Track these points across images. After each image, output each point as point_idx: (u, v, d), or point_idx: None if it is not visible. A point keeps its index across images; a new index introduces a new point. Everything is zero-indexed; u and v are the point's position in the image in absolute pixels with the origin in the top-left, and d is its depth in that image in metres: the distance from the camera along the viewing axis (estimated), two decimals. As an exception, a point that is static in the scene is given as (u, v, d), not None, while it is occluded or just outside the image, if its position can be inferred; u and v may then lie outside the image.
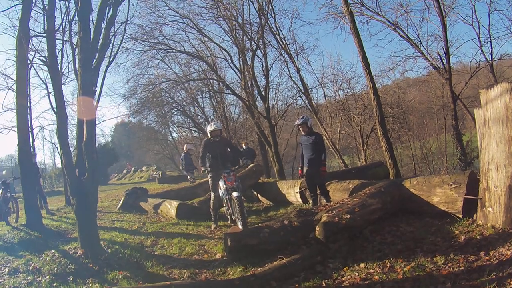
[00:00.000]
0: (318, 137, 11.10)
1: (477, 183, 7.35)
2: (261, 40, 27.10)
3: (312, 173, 10.90)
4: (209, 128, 11.35)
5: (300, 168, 11.55)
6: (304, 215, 8.12)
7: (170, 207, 13.56)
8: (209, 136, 11.24)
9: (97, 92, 8.53)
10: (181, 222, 12.32)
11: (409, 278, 5.54)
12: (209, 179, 11.46)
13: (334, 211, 7.72)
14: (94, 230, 8.35)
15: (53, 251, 8.70)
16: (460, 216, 7.45)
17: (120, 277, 7.14)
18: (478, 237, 6.46)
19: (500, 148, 6.55)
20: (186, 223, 12.11)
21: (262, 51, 27.74)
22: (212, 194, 11.47)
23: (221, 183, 10.96)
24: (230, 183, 10.44)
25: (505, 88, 6.47)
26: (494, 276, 5.05)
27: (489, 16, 21.74)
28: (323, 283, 5.99)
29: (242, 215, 9.88)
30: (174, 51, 28.06)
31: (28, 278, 7.30)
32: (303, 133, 11.20)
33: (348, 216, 7.43)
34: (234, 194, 10.11)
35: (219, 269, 7.37)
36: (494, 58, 22.29)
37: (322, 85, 30.31)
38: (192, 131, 46.28)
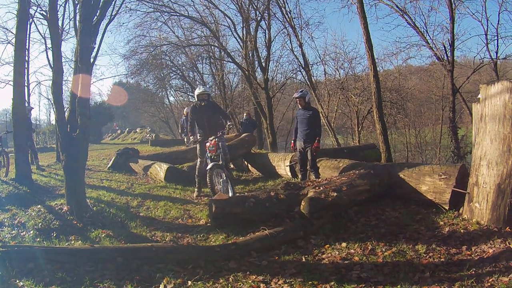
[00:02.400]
0: (315, 112, 11.05)
1: (467, 177, 7.36)
2: (266, 11, 26.86)
3: (304, 148, 10.89)
4: (196, 91, 11.10)
5: (292, 142, 11.51)
6: (291, 189, 8.12)
7: (160, 170, 13.64)
8: (196, 100, 10.94)
9: (95, 50, 8.51)
10: (169, 186, 12.39)
11: (389, 263, 5.57)
12: (197, 145, 11.10)
13: (321, 188, 7.73)
14: (81, 187, 8.34)
15: (39, 206, 8.68)
16: (447, 207, 7.45)
17: (103, 235, 7.16)
18: (462, 231, 6.48)
19: (494, 145, 6.54)
20: (174, 187, 12.18)
21: (267, 22, 27.65)
22: (198, 160, 11.18)
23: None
24: (212, 152, 10.11)
25: (506, 86, 6.44)
26: (473, 272, 5.07)
27: (498, 15, 21.93)
28: (303, 258, 6.02)
29: (212, 188, 10.05)
30: (178, 14, 27.86)
31: (13, 232, 7.32)
32: (300, 107, 11.18)
33: (335, 194, 7.45)
34: (208, 166, 10.01)
35: (201, 235, 7.39)
36: (498, 56, 22.36)
37: (323, 62, 30.20)
38: (189, 96, 46.00)
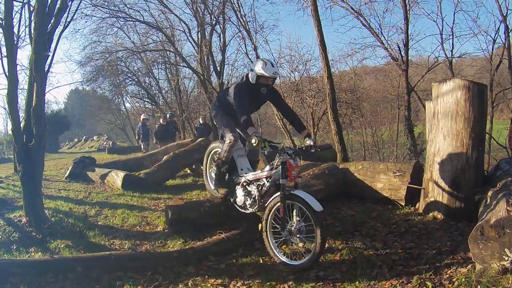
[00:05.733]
0: None
1: (421, 173, 7.58)
2: (221, 16, 26.90)
3: None
4: (260, 68, 6.85)
5: None
6: (247, 191, 8.15)
7: (116, 178, 13.47)
8: (251, 80, 7.02)
9: (50, 57, 8.44)
10: (126, 193, 12.23)
11: (346, 260, 5.71)
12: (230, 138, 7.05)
13: (275, 189, 7.72)
14: (39, 198, 8.25)
15: (-2, 219, 8.56)
16: (403, 203, 7.63)
17: (62, 246, 7.09)
18: (418, 225, 6.65)
19: (447, 141, 6.76)
20: (131, 194, 12.04)
21: (221, 26, 27.70)
22: (229, 141, 7.07)
23: (267, 168, 6.58)
24: (293, 178, 6.18)
25: (458, 84, 6.67)
26: (431, 265, 5.23)
27: (454, 15, 22.35)
28: (261, 259, 6.14)
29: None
30: (134, 20, 27.69)
31: (-28, 246, 7.19)
32: None
33: (289, 195, 7.46)
34: (301, 194, 5.81)
35: (159, 241, 7.40)
36: (453, 55, 22.94)
37: (278, 64, 30.33)
38: (145, 102, 45.70)
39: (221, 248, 6.50)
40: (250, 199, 6.79)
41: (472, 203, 6.54)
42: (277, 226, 6.02)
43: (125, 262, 5.87)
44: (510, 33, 21.31)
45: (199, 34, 27.96)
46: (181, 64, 32.63)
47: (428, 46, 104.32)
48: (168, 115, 23.92)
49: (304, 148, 6.63)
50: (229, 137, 7.06)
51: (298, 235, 5.80)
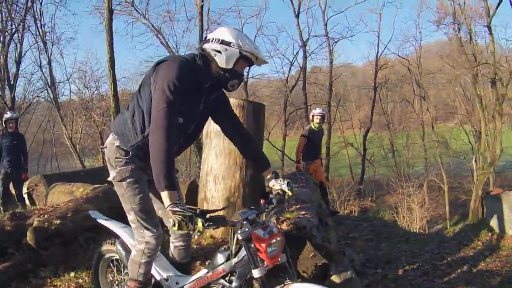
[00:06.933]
0: (23, 138, 11.20)
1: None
2: (22, 23, 25.83)
3: (12, 177, 10.94)
4: (248, 44, 3.50)
5: None
6: (18, 219, 7.55)
7: None
8: (223, 64, 3.43)
9: None
10: None
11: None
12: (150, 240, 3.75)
13: (46, 216, 7.28)
14: None
15: None
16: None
17: None
18: (194, 246, 6.60)
19: (220, 160, 6.83)
20: None
21: (20, 35, 26.56)
22: (147, 246, 3.78)
23: (219, 259, 3.54)
24: (275, 258, 3.25)
25: (232, 103, 6.70)
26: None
27: (255, 38, 23.73)
28: (35, 292, 5.77)
29: None
30: None
31: None
32: (9, 131, 11.03)
33: (59, 221, 7.10)
34: None
35: None
36: (248, 76, 24.33)
37: (70, 80, 29.85)
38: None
39: (-7, 283, 6.07)
40: None
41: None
42: None
43: None
44: (307, 58, 22.95)
45: (-2, 43, 26.62)
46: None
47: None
48: None
49: (274, 198, 3.74)
50: (148, 239, 3.76)
51: None
